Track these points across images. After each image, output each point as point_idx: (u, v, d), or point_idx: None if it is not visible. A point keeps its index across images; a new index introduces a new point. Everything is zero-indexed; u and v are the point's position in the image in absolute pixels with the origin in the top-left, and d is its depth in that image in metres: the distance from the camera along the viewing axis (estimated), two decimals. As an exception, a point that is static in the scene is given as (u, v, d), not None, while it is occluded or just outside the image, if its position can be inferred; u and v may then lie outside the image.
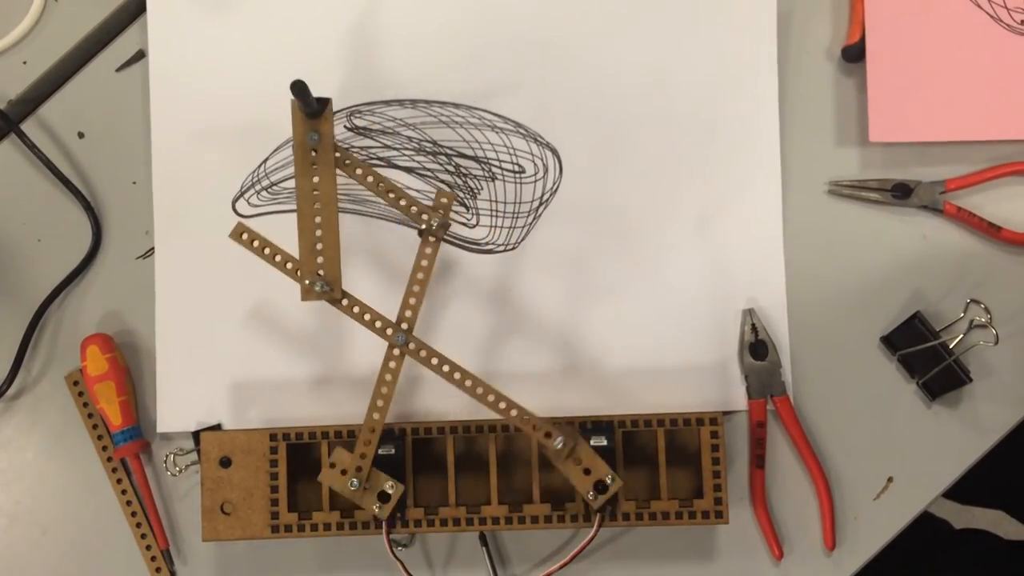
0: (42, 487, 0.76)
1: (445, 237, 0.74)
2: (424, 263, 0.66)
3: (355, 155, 0.67)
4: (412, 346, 0.66)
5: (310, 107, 0.63)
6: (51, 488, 0.76)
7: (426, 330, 0.74)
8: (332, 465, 0.67)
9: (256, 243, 0.67)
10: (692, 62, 0.74)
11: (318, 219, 0.65)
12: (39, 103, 0.78)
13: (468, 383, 0.66)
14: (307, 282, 0.65)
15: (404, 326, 0.66)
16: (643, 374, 0.73)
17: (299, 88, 0.62)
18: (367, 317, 0.66)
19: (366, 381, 0.74)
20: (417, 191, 0.75)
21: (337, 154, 0.65)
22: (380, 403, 0.66)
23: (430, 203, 0.66)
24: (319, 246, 0.65)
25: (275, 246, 0.67)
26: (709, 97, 0.74)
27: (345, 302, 0.66)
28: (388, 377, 0.66)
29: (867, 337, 0.73)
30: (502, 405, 0.66)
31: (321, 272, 0.65)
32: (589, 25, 0.75)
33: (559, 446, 0.65)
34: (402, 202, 0.66)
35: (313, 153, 0.65)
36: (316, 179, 0.65)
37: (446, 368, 0.66)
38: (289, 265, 0.66)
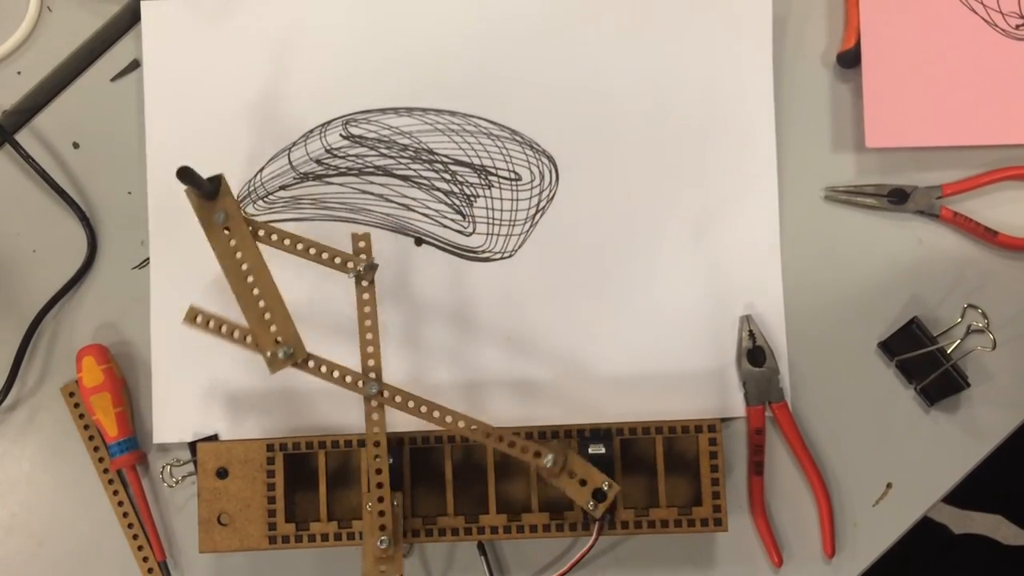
0: (38, 499, 0.76)
1: (442, 245, 0.74)
2: (367, 309, 0.65)
3: (257, 220, 0.66)
4: (387, 394, 0.65)
5: (203, 189, 0.61)
6: (47, 500, 0.76)
7: (420, 340, 0.74)
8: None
9: (211, 323, 0.66)
10: (688, 68, 0.74)
11: (256, 291, 0.64)
12: (34, 113, 0.78)
13: (449, 419, 0.65)
14: (269, 354, 0.64)
15: (372, 375, 0.65)
16: (640, 381, 0.73)
17: (187, 174, 0.59)
18: (336, 374, 0.66)
19: (363, 390, 0.74)
20: (414, 199, 0.75)
21: (249, 227, 0.64)
22: (377, 457, 0.66)
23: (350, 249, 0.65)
24: (267, 316, 0.64)
25: (231, 323, 0.65)
26: (705, 104, 0.74)
27: (311, 363, 0.65)
28: (376, 430, 0.66)
29: (865, 343, 0.73)
30: (488, 436, 0.66)
31: (279, 339, 0.64)
32: (584, 32, 0.75)
33: (549, 463, 0.65)
34: (324, 255, 0.65)
35: (226, 231, 0.64)
36: (239, 254, 0.64)
37: (424, 409, 0.66)
38: (248, 339, 0.65)
